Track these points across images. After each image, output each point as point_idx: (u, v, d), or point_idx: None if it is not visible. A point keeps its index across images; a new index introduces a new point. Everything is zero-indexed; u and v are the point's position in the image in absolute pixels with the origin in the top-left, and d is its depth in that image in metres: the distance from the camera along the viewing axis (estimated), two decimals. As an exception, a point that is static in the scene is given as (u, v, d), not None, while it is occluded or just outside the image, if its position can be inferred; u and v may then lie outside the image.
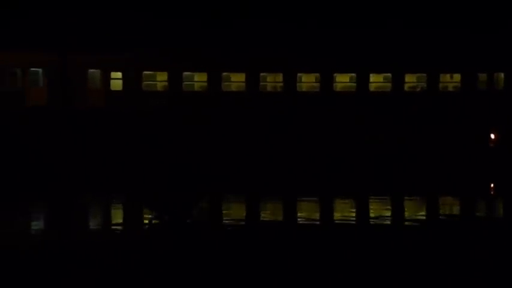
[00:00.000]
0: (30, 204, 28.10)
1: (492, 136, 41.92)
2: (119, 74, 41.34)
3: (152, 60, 41.50)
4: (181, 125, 41.10)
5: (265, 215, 25.70)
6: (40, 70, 40.49)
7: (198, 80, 42.45)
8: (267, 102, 41.92)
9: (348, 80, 43.00)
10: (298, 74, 42.35)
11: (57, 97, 40.24)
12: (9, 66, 39.94)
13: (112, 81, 41.25)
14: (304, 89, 42.66)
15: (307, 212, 26.31)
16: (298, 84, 42.38)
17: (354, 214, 25.77)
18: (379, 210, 26.61)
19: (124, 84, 41.28)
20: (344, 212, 26.11)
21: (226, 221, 24.04)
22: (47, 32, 40.26)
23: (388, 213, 25.84)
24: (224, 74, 42.26)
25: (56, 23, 40.52)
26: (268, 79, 42.93)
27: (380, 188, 33.07)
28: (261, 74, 42.34)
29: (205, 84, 42.19)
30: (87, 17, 41.04)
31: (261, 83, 42.40)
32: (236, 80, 42.52)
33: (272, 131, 41.40)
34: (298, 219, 24.71)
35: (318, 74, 42.39)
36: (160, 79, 42.13)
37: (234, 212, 26.30)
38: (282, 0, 43.63)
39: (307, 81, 42.74)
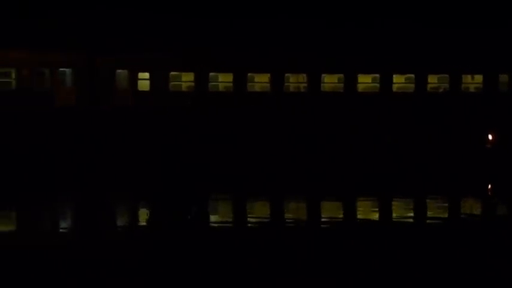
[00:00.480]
0: (56, 202, 28.72)
1: (490, 137, 42.49)
2: (146, 75, 41.82)
3: (179, 60, 41.98)
4: (206, 125, 41.62)
5: (280, 215, 26.16)
6: (68, 70, 41.05)
7: (223, 80, 42.91)
8: (292, 102, 42.35)
9: (370, 81, 43.38)
10: (322, 75, 42.73)
11: (86, 97, 40.81)
12: (37, 67, 40.53)
13: (139, 82, 41.72)
14: (327, 89, 43.05)
15: (326, 212, 26.82)
16: (322, 84, 42.78)
17: (360, 215, 26.36)
18: (393, 211, 27.09)
19: (151, 84, 41.76)
20: (361, 212, 26.68)
21: (247, 221, 24.48)
22: (76, 32, 40.85)
23: (399, 214, 26.31)
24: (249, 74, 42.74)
25: (84, 23, 41.11)
26: (292, 79, 43.31)
27: (394, 189, 33.54)
28: (286, 74, 42.76)
29: (230, 84, 42.64)
30: (115, 17, 41.60)
31: (285, 84, 42.81)
32: (260, 81, 42.97)
33: (296, 131, 41.83)
34: (320, 220, 25.22)
35: (341, 75, 42.77)
36: (186, 79, 42.61)
37: (256, 212, 26.75)
38: (305, 1, 44.02)
39: (330, 81, 43.12)
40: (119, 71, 41.55)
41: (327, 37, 43.00)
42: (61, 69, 40.91)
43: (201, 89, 42.27)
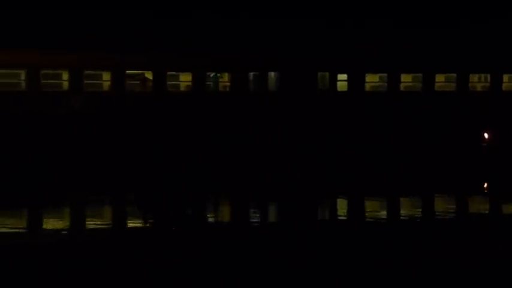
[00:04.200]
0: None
1: (486, 135, 45.01)
2: (345, 76, 44.33)
3: (375, 62, 44.49)
4: (402, 123, 44.37)
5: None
6: (272, 73, 43.58)
7: (405, 80, 45.41)
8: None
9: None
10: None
11: (290, 98, 43.34)
12: (247, 70, 43.00)
13: (338, 83, 44.23)
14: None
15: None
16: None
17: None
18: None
19: (349, 85, 44.26)
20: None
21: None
22: (280, 37, 43.40)
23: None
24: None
25: (288, 30, 43.68)
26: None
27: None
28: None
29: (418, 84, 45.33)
30: (317, 23, 44.16)
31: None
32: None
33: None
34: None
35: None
36: (370, 80, 45.10)
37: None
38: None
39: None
40: (321, 73, 44.11)
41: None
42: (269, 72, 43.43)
43: (392, 88, 44.78)
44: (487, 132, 44.88)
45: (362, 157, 43.34)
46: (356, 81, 44.11)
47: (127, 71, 40.54)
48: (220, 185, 35.84)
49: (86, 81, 40.11)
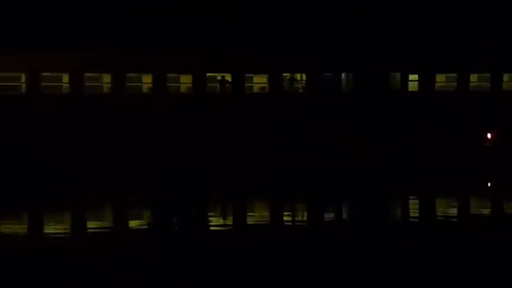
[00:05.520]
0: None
1: (489, 135, 45.08)
2: (416, 76, 44.96)
3: (444, 63, 45.08)
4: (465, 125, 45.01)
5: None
6: (344, 75, 44.35)
7: (473, 81, 45.92)
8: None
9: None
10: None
11: (362, 98, 44.04)
12: (322, 71, 43.76)
13: (409, 83, 44.89)
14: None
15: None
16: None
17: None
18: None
19: (419, 85, 44.90)
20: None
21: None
22: (353, 38, 44.14)
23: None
24: None
25: (361, 32, 44.39)
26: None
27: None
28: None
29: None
30: (387, 26, 44.86)
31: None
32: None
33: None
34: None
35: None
36: (439, 80, 45.65)
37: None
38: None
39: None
40: (392, 73, 44.78)
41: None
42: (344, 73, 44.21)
43: (462, 88, 45.36)
44: (490, 133, 45.23)
45: (434, 154, 43.99)
46: (426, 81, 44.73)
47: (207, 74, 41.55)
48: (302, 185, 36.59)
49: (167, 84, 41.18)
